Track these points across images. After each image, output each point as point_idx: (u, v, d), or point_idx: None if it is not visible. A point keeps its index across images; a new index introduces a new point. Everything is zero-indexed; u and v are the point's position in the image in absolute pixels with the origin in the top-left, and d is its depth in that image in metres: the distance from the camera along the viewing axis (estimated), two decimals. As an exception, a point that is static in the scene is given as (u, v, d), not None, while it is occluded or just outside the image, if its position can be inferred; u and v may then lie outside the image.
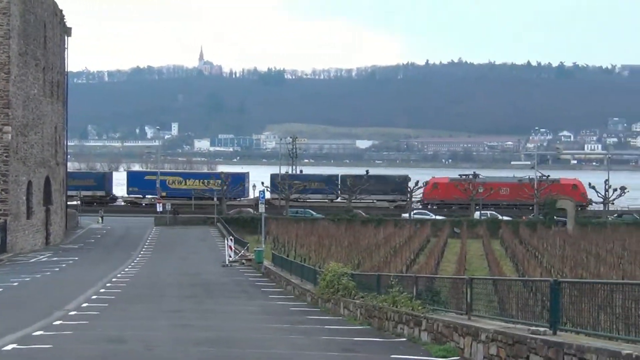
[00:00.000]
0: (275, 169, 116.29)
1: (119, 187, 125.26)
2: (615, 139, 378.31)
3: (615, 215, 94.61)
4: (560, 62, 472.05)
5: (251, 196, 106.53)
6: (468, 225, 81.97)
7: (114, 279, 45.31)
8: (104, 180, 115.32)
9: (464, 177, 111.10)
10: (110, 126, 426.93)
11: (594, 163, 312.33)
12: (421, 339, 20.88)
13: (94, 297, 35.91)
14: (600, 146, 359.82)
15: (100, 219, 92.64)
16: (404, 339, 21.80)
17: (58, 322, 25.80)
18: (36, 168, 68.92)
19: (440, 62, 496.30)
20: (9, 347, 18.92)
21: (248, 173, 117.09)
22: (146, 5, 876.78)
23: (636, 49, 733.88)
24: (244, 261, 60.41)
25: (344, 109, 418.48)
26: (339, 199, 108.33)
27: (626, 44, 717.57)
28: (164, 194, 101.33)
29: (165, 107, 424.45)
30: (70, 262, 57.69)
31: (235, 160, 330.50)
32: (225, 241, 65.07)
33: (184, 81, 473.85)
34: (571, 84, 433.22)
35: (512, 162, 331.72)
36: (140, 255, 63.47)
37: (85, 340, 21.06)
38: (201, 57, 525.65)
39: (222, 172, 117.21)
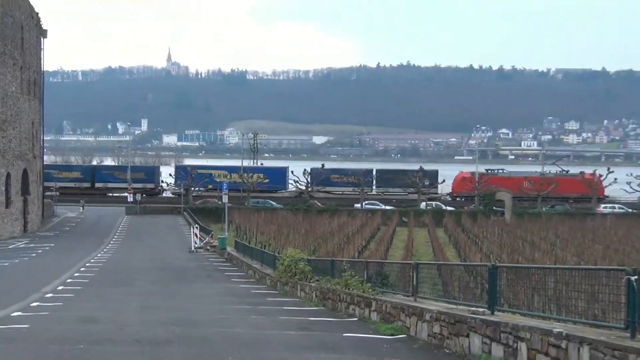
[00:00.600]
0: (242, 162, 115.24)
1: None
2: (549, 137, 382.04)
3: (549, 206, 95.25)
4: (500, 65, 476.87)
5: (291, 188, 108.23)
6: (415, 214, 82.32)
7: (87, 264, 44.74)
8: (154, 174, 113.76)
9: (490, 171, 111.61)
10: (84, 122, 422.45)
11: (530, 158, 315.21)
12: (371, 318, 20.89)
13: (68, 280, 35.47)
14: (535, 143, 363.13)
15: (81, 208, 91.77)
16: (355, 319, 21.78)
17: (35, 304, 25.49)
18: (14, 161, 68.06)
19: (391, 65, 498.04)
20: (-12, 327, 18.67)
21: (288, 167, 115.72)
22: (119, 7, 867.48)
23: (569, 54, 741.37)
24: (208, 247, 60.18)
25: (301, 108, 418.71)
26: (374, 192, 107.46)
27: (560, 49, 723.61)
28: (210, 186, 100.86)
29: (136, 105, 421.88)
30: (47, 248, 56.91)
31: (200, 154, 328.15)
32: (191, 229, 64.90)
33: (153, 81, 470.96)
34: (510, 86, 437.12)
35: (455, 157, 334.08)
36: (112, 242, 62.81)
37: (60, 320, 20.67)
38: (169, 58, 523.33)
39: (264, 166, 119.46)
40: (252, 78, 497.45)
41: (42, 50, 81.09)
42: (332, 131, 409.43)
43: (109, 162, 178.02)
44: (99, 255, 52.32)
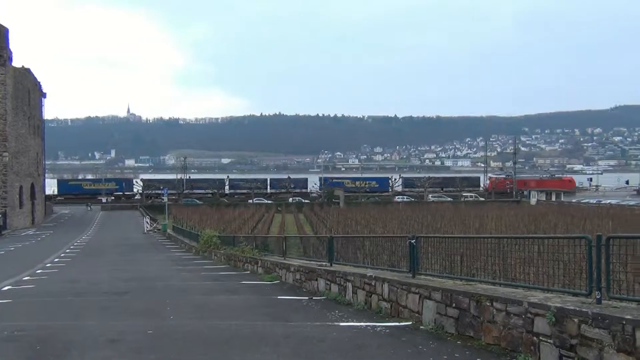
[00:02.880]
0: (177, 176, 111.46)
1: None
2: (365, 156, 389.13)
3: (369, 198, 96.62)
4: (335, 113, 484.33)
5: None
6: (285, 205, 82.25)
7: (74, 244, 42.55)
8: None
9: (509, 175, 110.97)
10: (72, 151, 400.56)
11: (354, 169, 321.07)
12: (258, 271, 20.72)
13: (62, 255, 33.55)
14: (357, 160, 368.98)
15: (88, 207, 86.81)
16: (249, 272, 21.57)
17: (39, 271, 23.99)
18: (25, 178, 65.05)
19: (269, 114, 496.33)
20: (6, 288, 17.38)
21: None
22: (94, 70, 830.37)
23: (375, 105, 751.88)
24: (155, 230, 58.46)
25: (214, 141, 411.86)
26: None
27: (370, 101, 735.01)
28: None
29: (107, 140, 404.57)
30: (48, 234, 53.76)
31: (150, 171, 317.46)
32: (144, 218, 62.85)
33: (117, 125, 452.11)
34: (341, 126, 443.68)
35: (309, 170, 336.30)
36: (92, 229, 60.00)
37: (55, 281, 19.56)
38: (128, 110, 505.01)
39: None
40: (182, 122, 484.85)
41: (42, 106, 77.63)
42: (234, 155, 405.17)
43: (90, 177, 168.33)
44: (83, 237, 49.82)
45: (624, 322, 5.49)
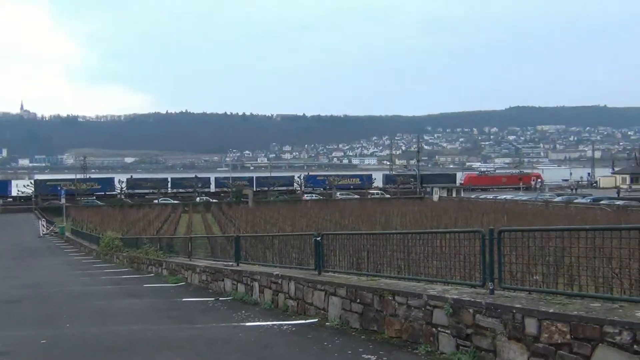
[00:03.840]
0: (76, 176, 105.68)
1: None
2: (273, 155, 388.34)
3: (278, 195, 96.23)
4: (244, 112, 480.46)
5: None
6: (193, 205, 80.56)
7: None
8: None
9: (483, 172, 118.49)
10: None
11: (263, 168, 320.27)
12: (162, 273, 20.16)
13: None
14: (266, 159, 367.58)
15: None
16: (152, 275, 20.93)
17: None
18: None
19: (175, 112, 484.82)
20: None
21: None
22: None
23: (284, 104, 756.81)
24: (53, 234, 55.40)
25: (117, 139, 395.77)
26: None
27: (279, 100, 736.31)
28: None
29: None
30: None
31: (47, 171, 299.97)
32: (40, 221, 59.39)
33: (10, 122, 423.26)
34: (249, 125, 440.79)
35: (217, 169, 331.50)
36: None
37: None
38: (22, 107, 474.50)
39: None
40: (81, 120, 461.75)
41: None
42: (138, 154, 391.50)
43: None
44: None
45: (514, 311, 5.81)
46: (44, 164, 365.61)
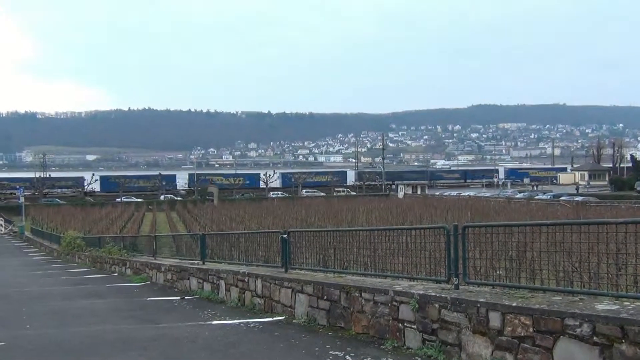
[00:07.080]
0: (35, 174, 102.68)
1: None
2: (239, 152, 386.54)
3: (242, 194, 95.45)
4: (208, 109, 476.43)
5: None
6: (157, 203, 79.41)
7: None
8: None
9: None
10: None
11: (228, 166, 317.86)
12: (126, 273, 19.84)
13: None
14: (231, 156, 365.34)
15: None
16: (116, 274, 20.58)
17: None
18: None
19: (137, 108, 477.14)
20: None
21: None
22: None
23: (248, 100, 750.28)
24: (11, 233, 53.95)
25: (78, 136, 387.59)
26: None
27: (243, 97, 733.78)
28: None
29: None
30: None
31: (4, 169, 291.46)
32: (-3, 221, 57.83)
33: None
34: (214, 121, 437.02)
35: (182, 167, 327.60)
36: None
37: None
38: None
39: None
40: (40, 117, 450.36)
41: None
42: (100, 152, 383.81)
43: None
44: None
45: (479, 305, 5.90)
46: (1, 162, 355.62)
